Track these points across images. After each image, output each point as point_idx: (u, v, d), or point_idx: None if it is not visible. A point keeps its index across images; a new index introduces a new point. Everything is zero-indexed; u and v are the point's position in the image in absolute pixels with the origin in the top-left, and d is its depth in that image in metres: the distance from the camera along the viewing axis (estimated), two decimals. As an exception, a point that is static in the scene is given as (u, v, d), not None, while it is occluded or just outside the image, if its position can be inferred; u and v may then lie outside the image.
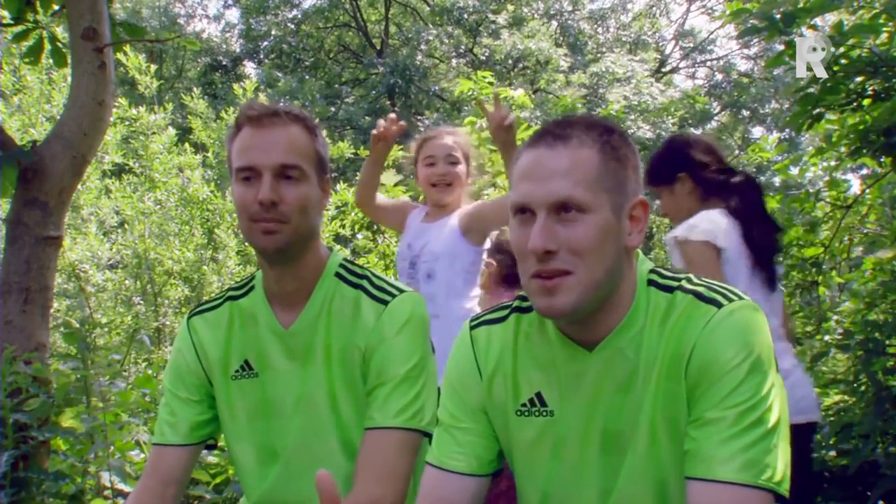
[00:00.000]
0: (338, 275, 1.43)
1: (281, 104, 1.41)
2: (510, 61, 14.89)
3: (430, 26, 16.83)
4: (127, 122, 6.45)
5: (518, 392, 1.18)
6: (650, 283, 1.13)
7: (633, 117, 12.90)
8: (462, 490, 1.19)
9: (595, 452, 1.12)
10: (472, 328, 1.26)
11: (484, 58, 15.26)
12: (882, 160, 3.08)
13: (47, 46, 3.27)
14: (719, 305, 1.06)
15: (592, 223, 1.04)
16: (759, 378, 1.02)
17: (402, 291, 1.41)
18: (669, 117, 13.69)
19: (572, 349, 1.13)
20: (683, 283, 1.12)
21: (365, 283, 1.42)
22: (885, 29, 2.75)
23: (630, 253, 1.11)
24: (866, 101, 2.83)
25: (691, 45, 19.20)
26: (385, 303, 1.39)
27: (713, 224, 2.07)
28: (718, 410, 1.01)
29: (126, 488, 2.60)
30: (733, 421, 1.00)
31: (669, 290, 1.11)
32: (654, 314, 1.10)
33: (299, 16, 18.35)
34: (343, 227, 5.40)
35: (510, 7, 16.50)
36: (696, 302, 1.08)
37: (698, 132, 16.93)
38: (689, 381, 1.05)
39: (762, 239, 2.12)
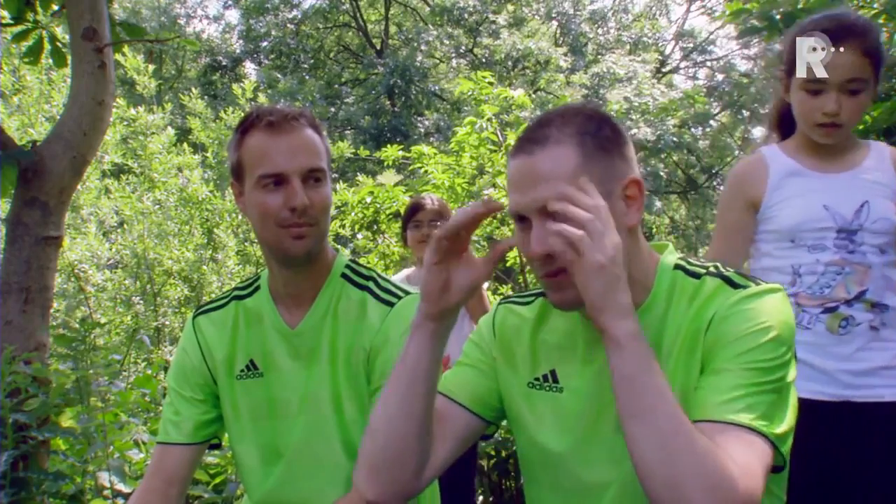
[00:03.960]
0: (344, 276, 1.44)
1: (281, 105, 1.41)
2: (510, 62, 14.90)
3: (430, 26, 16.83)
4: (126, 122, 6.45)
5: (535, 366, 1.22)
6: (677, 267, 1.15)
7: (634, 117, 12.91)
8: (458, 418, 1.22)
9: (609, 431, 1.12)
10: (499, 304, 1.31)
11: (484, 58, 15.26)
12: (882, 160, 3.08)
13: (47, 46, 3.27)
14: (746, 287, 1.08)
15: None
16: (774, 348, 1.02)
17: (407, 293, 1.41)
18: (669, 117, 13.70)
19: (593, 332, 1.14)
20: (711, 268, 1.14)
21: (371, 284, 1.43)
22: (884, 29, 2.75)
23: (633, 232, 1.12)
24: (866, 102, 2.83)
25: (691, 45, 19.20)
26: (391, 304, 1.39)
27: None
28: (727, 363, 1.02)
29: (125, 488, 2.60)
30: (740, 375, 1.00)
31: (697, 275, 1.13)
32: (679, 296, 1.12)
33: (299, 16, 18.35)
34: (343, 227, 5.40)
35: (510, 7, 16.50)
36: (723, 285, 1.10)
37: (698, 132, 16.96)
38: (705, 350, 1.06)
39: None
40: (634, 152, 1.15)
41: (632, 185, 1.10)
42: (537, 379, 1.21)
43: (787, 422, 1.01)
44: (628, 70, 13.98)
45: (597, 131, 1.09)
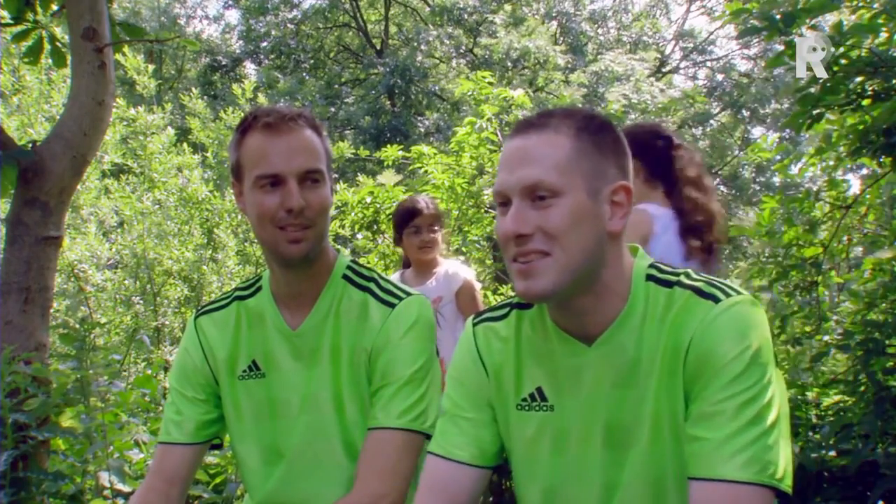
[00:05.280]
0: (345, 277, 1.44)
1: (282, 105, 1.41)
2: (509, 62, 14.88)
3: (430, 26, 16.82)
4: (126, 122, 6.45)
5: (520, 386, 1.19)
6: (649, 277, 1.13)
7: (633, 116, 12.89)
8: (463, 479, 1.20)
9: (598, 447, 1.12)
10: (474, 325, 1.27)
11: (484, 58, 15.25)
12: (882, 160, 3.08)
13: (47, 46, 3.26)
14: (717, 300, 1.06)
15: (566, 206, 1.05)
16: (758, 371, 1.02)
17: (408, 294, 1.41)
18: (669, 117, 13.69)
19: (571, 344, 1.14)
20: (682, 278, 1.12)
21: (372, 285, 1.43)
22: (884, 29, 2.75)
23: (615, 239, 1.11)
24: (866, 101, 2.83)
25: (691, 45, 19.19)
26: (392, 305, 1.39)
27: None
28: (717, 404, 1.01)
29: (125, 488, 2.60)
30: (732, 415, 1.00)
31: (668, 284, 1.11)
32: (653, 309, 1.10)
33: (299, 16, 18.33)
34: (343, 227, 5.40)
35: (507, 7, 16.48)
36: (694, 297, 1.08)
37: (698, 132, 16.94)
38: (686, 374, 1.05)
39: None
40: (631, 165, 1.15)
41: (620, 191, 1.10)
42: (524, 399, 1.19)
43: (784, 455, 1.00)
44: (626, 68, 13.95)
45: (596, 132, 1.10)
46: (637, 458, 1.09)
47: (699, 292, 1.08)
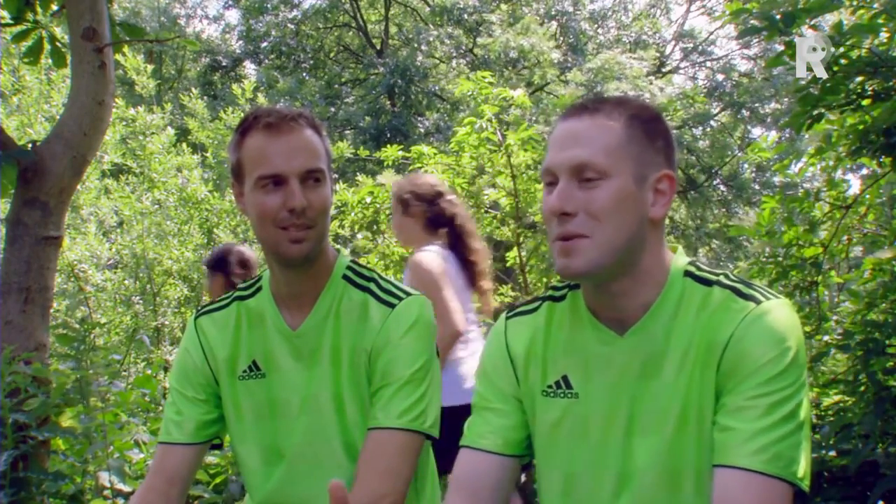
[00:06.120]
0: (345, 277, 1.44)
1: (282, 105, 1.41)
2: (503, 60, 14.87)
3: (431, 26, 16.82)
4: (125, 122, 6.45)
5: (546, 374, 1.21)
6: (687, 273, 1.15)
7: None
8: (489, 468, 1.22)
9: (619, 435, 1.13)
10: (507, 319, 1.29)
11: (484, 58, 15.24)
12: (881, 160, 3.08)
13: (47, 46, 3.26)
14: (757, 301, 1.08)
15: (612, 188, 1.07)
16: (794, 374, 1.05)
17: (408, 294, 1.41)
18: (669, 117, 13.69)
19: (603, 332, 1.15)
20: (721, 278, 1.14)
21: (372, 285, 1.43)
22: (884, 29, 2.75)
23: (656, 226, 1.13)
24: (866, 101, 2.83)
25: (691, 45, 19.19)
26: (392, 305, 1.39)
27: None
28: (751, 399, 1.04)
29: (125, 488, 2.60)
30: (764, 411, 1.03)
31: (708, 283, 1.14)
32: (688, 304, 1.12)
33: (299, 16, 18.32)
34: (342, 227, 5.40)
35: (503, 7, 16.47)
36: (733, 297, 1.10)
37: (698, 132, 16.94)
38: (721, 370, 1.07)
39: None
40: (677, 159, 1.17)
41: (665, 179, 1.12)
42: (550, 386, 1.20)
43: (806, 456, 1.03)
44: (625, 66, 13.91)
45: (648, 120, 1.12)
46: (656, 448, 1.11)
47: (738, 293, 1.11)
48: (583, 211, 1.07)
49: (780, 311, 1.08)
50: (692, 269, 1.16)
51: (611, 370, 1.14)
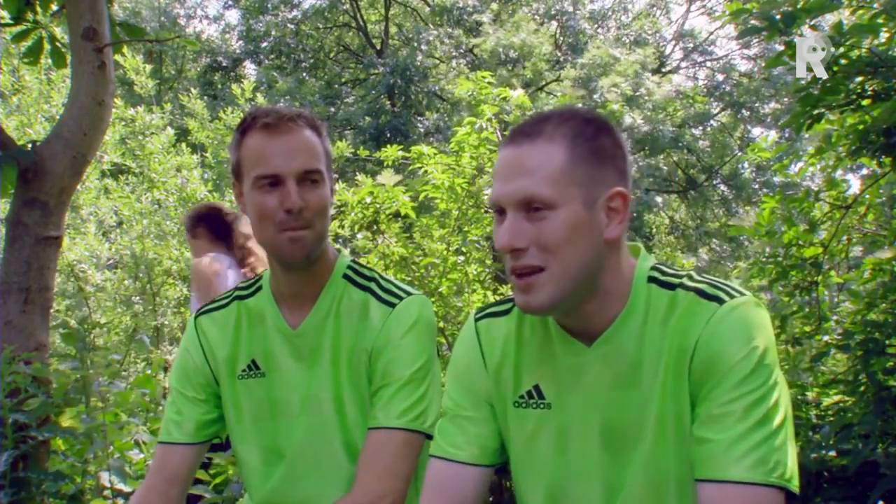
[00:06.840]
0: (346, 276, 1.44)
1: (281, 105, 1.41)
2: (503, 61, 14.85)
3: (430, 26, 16.82)
4: (125, 122, 6.45)
5: (518, 383, 1.19)
6: (651, 279, 1.13)
7: (633, 115, 12.88)
8: (466, 480, 1.20)
9: (596, 447, 1.12)
10: (476, 320, 1.27)
11: (484, 58, 15.23)
12: (881, 160, 3.08)
13: (47, 46, 3.26)
14: (721, 301, 1.06)
15: (560, 219, 1.04)
16: (765, 372, 1.02)
17: (409, 294, 1.41)
18: (668, 117, 13.68)
19: (571, 343, 1.14)
20: (685, 280, 1.11)
21: (373, 285, 1.43)
22: (884, 29, 2.75)
23: (613, 245, 1.09)
24: (866, 101, 2.83)
25: (691, 45, 19.18)
26: (392, 305, 1.39)
27: None
28: (725, 406, 1.01)
29: (125, 488, 2.60)
30: (740, 416, 1.00)
31: (671, 287, 1.11)
32: (655, 311, 1.10)
33: (299, 16, 18.32)
34: (342, 227, 5.40)
35: (493, 6, 16.46)
36: (697, 299, 1.08)
37: (698, 132, 16.94)
38: (693, 377, 1.05)
39: None
40: (631, 168, 1.14)
41: (616, 198, 1.08)
42: (522, 397, 1.18)
43: (791, 455, 1.01)
44: (616, 60, 13.86)
45: (592, 137, 1.08)
46: (639, 459, 1.09)
47: (703, 294, 1.08)
48: (534, 245, 1.04)
49: (744, 310, 1.05)
50: (656, 273, 1.13)
51: (583, 381, 1.12)
